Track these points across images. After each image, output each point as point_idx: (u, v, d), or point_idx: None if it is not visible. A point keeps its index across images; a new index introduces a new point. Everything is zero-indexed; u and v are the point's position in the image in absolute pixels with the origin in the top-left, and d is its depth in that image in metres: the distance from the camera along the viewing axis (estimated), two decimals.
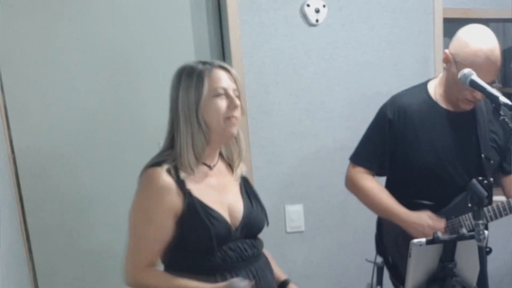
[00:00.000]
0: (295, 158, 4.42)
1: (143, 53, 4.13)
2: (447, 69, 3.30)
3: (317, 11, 4.27)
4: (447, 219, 3.34)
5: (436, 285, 2.82)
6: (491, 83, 3.04)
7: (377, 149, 3.49)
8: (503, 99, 2.74)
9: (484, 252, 2.61)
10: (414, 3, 4.49)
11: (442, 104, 3.37)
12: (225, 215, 2.79)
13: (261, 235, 3.07)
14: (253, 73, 4.22)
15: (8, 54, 3.84)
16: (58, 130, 4.05)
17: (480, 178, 3.24)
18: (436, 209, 3.37)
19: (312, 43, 4.38)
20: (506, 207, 3.28)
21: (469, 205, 3.15)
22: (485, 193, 2.62)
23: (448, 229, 3.31)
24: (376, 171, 3.53)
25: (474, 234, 2.57)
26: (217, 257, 2.76)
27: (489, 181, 3.28)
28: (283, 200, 4.51)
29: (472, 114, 3.36)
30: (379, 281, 4.10)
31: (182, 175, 2.74)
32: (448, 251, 2.75)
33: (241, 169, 3.02)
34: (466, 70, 3.00)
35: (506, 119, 2.73)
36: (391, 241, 3.55)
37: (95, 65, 4.07)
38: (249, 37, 4.23)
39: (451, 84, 3.27)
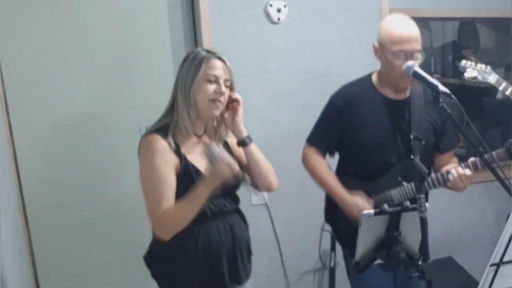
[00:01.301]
0: (260, 140, 4.36)
1: (127, 47, 4.20)
2: (380, 58, 3.40)
3: (279, 10, 4.29)
4: (380, 192, 3.44)
5: (383, 251, 2.85)
6: (419, 53, 3.23)
7: (326, 133, 3.61)
8: (442, 88, 2.89)
9: (425, 223, 2.65)
10: (365, 4, 4.56)
11: (383, 91, 3.45)
12: None
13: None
14: None
15: (8, 48, 3.89)
16: (54, 114, 4.09)
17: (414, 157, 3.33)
18: (371, 181, 3.48)
19: (275, 39, 4.42)
20: (429, 182, 3.34)
21: (399, 179, 3.38)
22: (426, 170, 2.66)
23: (379, 203, 3.31)
24: (326, 151, 3.65)
25: (417, 206, 2.61)
26: (203, 210, 2.89)
27: (415, 158, 3.27)
28: None
29: (408, 101, 3.45)
30: (333, 247, 4.11)
31: (178, 140, 2.93)
32: (393, 221, 2.79)
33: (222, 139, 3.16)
34: (410, 62, 3.15)
35: (445, 106, 2.80)
36: (338, 211, 3.59)
37: (86, 58, 4.12)
38: (219, 34, 4.27)
39: (387, 67, 3.34)
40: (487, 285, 2.86)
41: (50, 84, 4.03)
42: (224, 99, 2.95)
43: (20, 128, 3.98)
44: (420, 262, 2.73)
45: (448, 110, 2.84)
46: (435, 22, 4.91)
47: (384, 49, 3.29)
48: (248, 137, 3.07)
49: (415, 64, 3.13)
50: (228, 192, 3.05)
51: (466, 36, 5.06)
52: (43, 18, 3.96)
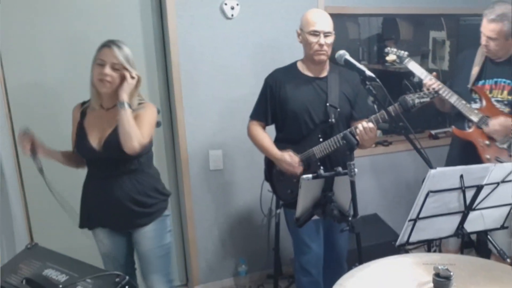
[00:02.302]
0: (216, 115, 4.53)
1: (104, 38, 4.09)
2: (301, 40, 3.63)
3: (232, 8, 4.38)
4: (304, 150, 3.62)
5: (319, 209, 3.00)
6: (330, 34, 3.46)
7: (263, 108, 3.82)
8: (368, 73, 3.11)
9: (354, 185, 2.84)
10: (303, 2, 4.57)
11: (305, 72, 3.70)
12: (94, 140, 3.25)
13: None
14: (186, 54, 4.31)
15: (7, 37, 3.98)
16: (42, 82, 4.16)
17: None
18: (299, 143, 3.67)
19: (229, 32, 4.55)
20: (336, 139, 3.48)
21: (320, 139, 3.54)
22: (356, 142, 2.75)
23: (305, 158, 3.61)
24: (265, 122, 3.85)
25: (347, 172, 2.76)
26: (89, 170, 3.41)
27: (331, 121, 3.56)
28: (207, 146, 4.70)
29: (325, 79, 3.67)
30: (278, 205, 4.15)
31: (89, 109, 3.34)
32: (328, 184, 2.93)
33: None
34: (342, 51, 3.30)
35: (370, 87, 2.94)
36: (273, 170, 3.86)
37: (70, 46, 4.18)
38: (183, 27, 4.37)
39: (306, 46, 3.60)
40: (406, 237, 2.93)
41: (40, 60, 4.12)
42: (111, 78, 3.14)
43: (15, 92, 4.05)
44: (350, 218, 2.83)
45: (374, 91, 3.02)
46: (362, 18, 4.99)
47: (303, 31, 3.56)
48: (122, 103, 3.10)
49: (346, 53, 3.28)
50: (112, 155, 3.20)
51: (388, 30, 5.15)
52: (37, 12, 4.04)
